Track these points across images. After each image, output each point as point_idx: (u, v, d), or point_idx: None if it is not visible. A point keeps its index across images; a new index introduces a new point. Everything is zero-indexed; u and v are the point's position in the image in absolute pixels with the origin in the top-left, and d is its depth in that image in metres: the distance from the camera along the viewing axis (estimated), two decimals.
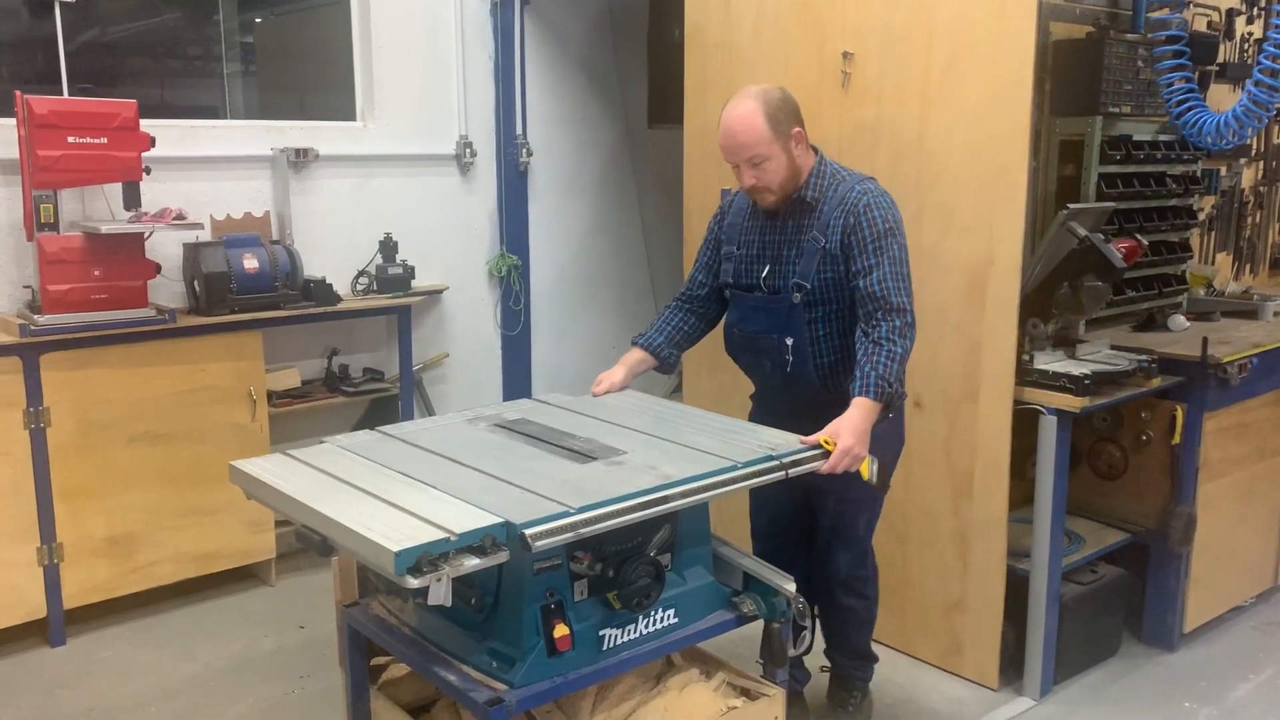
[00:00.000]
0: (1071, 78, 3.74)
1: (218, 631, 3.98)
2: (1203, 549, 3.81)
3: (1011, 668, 3.60)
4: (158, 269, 3.97)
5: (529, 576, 2.20)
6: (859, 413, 2.63)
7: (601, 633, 2.31)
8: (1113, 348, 3.70)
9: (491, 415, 2.81)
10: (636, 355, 3.10)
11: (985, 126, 3.35)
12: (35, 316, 3.74)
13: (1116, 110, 3.81)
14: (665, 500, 2.23)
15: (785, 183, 2.85)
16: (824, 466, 2.55)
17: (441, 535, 1.96)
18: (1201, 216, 4.62)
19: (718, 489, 2.32)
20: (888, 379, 2.67)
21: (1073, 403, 3.33)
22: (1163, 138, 4.06)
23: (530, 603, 2.21)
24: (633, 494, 2.19)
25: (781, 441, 2.60)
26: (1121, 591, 3.80)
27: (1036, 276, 3.54)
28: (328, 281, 4.43)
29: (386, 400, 4.76)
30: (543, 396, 3.04)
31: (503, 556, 2.02)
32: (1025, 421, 3.45)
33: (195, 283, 4.17)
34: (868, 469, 2.66)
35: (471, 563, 1.98)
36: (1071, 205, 3.48)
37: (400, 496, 2.18)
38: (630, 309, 5.96)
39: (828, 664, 3.45)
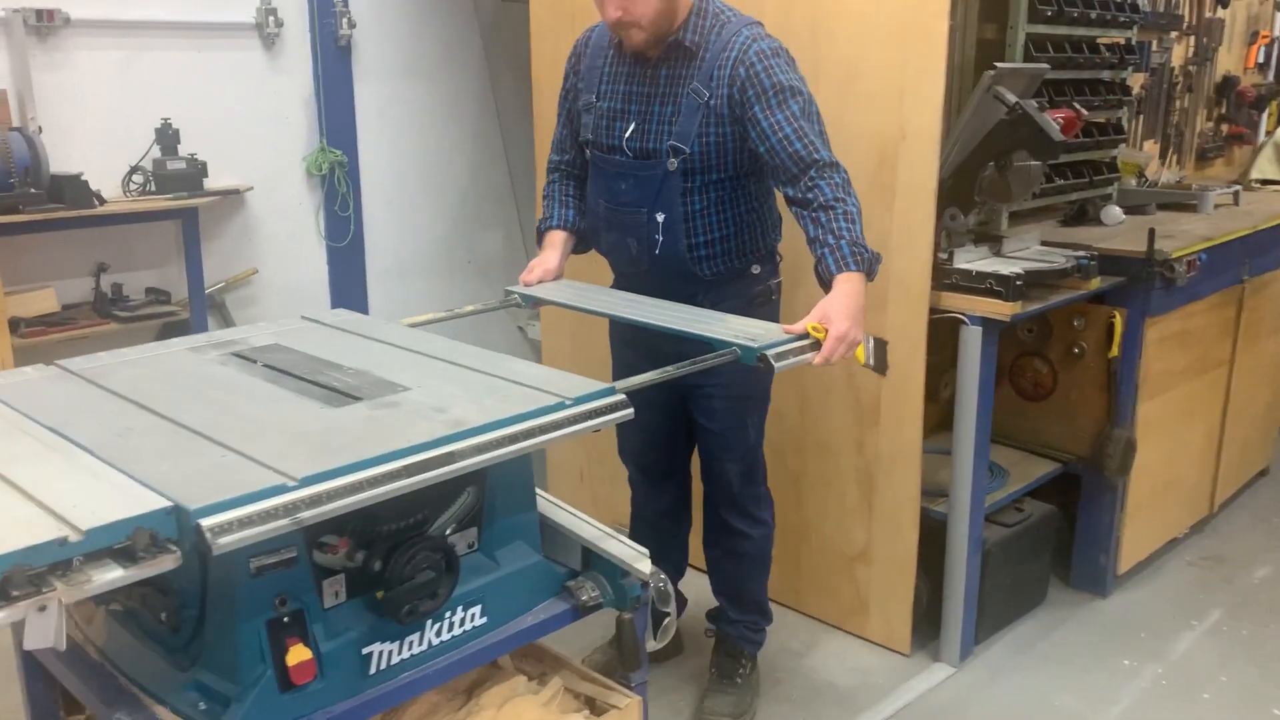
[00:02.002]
0: None
1: None
2: (1140, 477, 3.28)
3: (926, 626, 3.04)
4: None
5: (243, 579, 1.45)
6: (847, 288, 2.17)
7: (368, 650, 1.59)
8: (1043, 244, 3.09)
9: (233, 340, 2.03)
10: (559, 236, 2.61)
11: None
12: None
13: None
14: (448, 459, 1.50)
15: (659, 19, 2.32)
16: (817, 358, 2.09)
17: (53, 534, 1.20)
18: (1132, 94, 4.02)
19: (526, 439, 1.60)
20: (860, 243, 2.22)
21: (1001, 309, 2.72)
22: None
23: (248, 616, 1.47)
24: (396, 452, 1.46)
25: (760, 331, 2.09)
26: (1049, 531, 3.26)
27: (956, 155, 2.89)
28: (84, 179, 3.52)
29: (176, 325, 3.89)
30: (319, 314, 2.26)
31: (168, 563, 1.26)
32: (938, 334, 2.82)
33: None
34: (863, 352, 2.21)
35: (108, 575, 1.22)
36: (999, 65, 2.82)
37: (26, 468, 1.40)
38: (485, 214, 5.12)
39: (711, 627, 2.91)
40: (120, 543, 1.24)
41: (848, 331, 2.11)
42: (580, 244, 2.66)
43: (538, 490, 1.88)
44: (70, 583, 1.19)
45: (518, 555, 1.80)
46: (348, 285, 4.65)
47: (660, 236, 2.45)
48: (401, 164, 4.76)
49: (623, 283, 2.63)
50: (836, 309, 2.13)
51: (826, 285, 2.23)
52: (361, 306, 4.65)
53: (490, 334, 4.88)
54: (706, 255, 2.47)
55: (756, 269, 2.55)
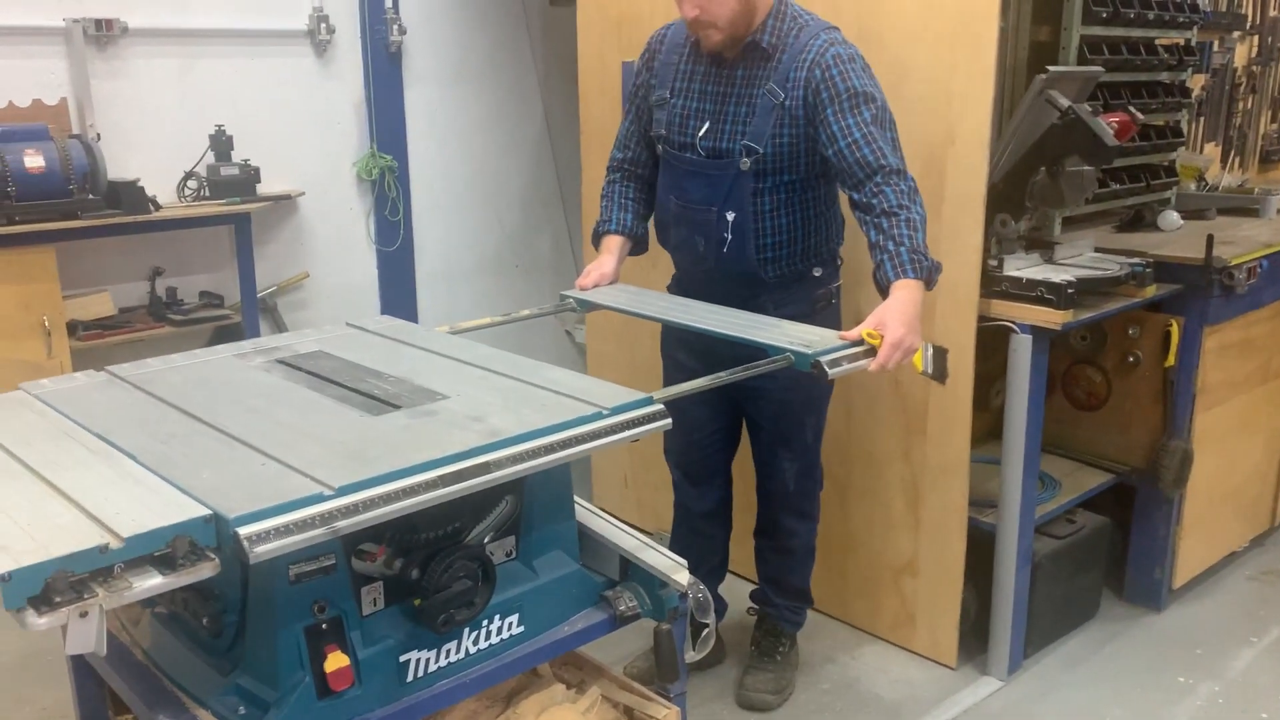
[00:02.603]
0: None
1: (4, 618, 3.21)
2: (1196, 489, 3.19)
3: (973, 640, 2.98)
4: None
5: (282, 586, 1.47)
6: (904, 294, 2.17)
7: (405, 658, 1.60)
8: (1096, 250, 3.02)
9: (277, 347, 2.05)
10: (616, 241, 2.61)
11: None
12: None
13: None
14: (483, 469, 1.50)
15: (736, 19, 2.33)
16: (873, 364, 2.08)
17: (95, 541, 1.22)
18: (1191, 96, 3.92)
19: (563, 450, 1.59)
20: (920, 250, 2.21)
21: (1053, 317, 2.66)
22: None
23: (288, 622, 1.49)
24: (432, 462, 1.46)
25: (815, 338, 2.09)
26: (1101, 543, 3.18)
27: (1006, 160, 2.83)
28: (140, 185, 3.59)
29: (229, 329, 3.96)
30: (364, 321, 2.28)
31: (206, 570, 1.28)
32: (987, 342, 2.77)
33: None
34: (921, 359, 2.19)
35: (149, 582, 1.24)
36: (1052, 69, 2.76)
37: (71, 474, 1.42)
38: (534, 217, 5.14)
39: (754, 607, 2.95)
40: (160, 550, 1.26)
41: (903, 338, 2.09)
42: (637, 247, 2.66)
43: (576, 498, 1.88)
44: (111, 589, 1.21)
45: (556, 564, 1.80)
46: (397, 289, 4.69)
47: (729, 235, 2.44)
48: (450, 168, 4.79)
49: (685, 281, 2.64)
50: (893, 315, 2.12)
51: (884, 291, 2.22)
52: (411, 310, 4.70)
53: (538, 337, 4.89)
54: (773, 257, 2.46)
55: (818, 271, 2.56)
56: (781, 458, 2.69)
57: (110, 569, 1.23)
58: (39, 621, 1.16)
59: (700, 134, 2.45)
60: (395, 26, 4.38)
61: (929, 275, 2.21)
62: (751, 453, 2.79)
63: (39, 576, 1.17)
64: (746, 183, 2.41)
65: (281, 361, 1.95)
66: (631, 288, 2.61)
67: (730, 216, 2.43)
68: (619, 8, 3.39)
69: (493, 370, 1.93)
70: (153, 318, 3.85)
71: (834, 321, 2.57)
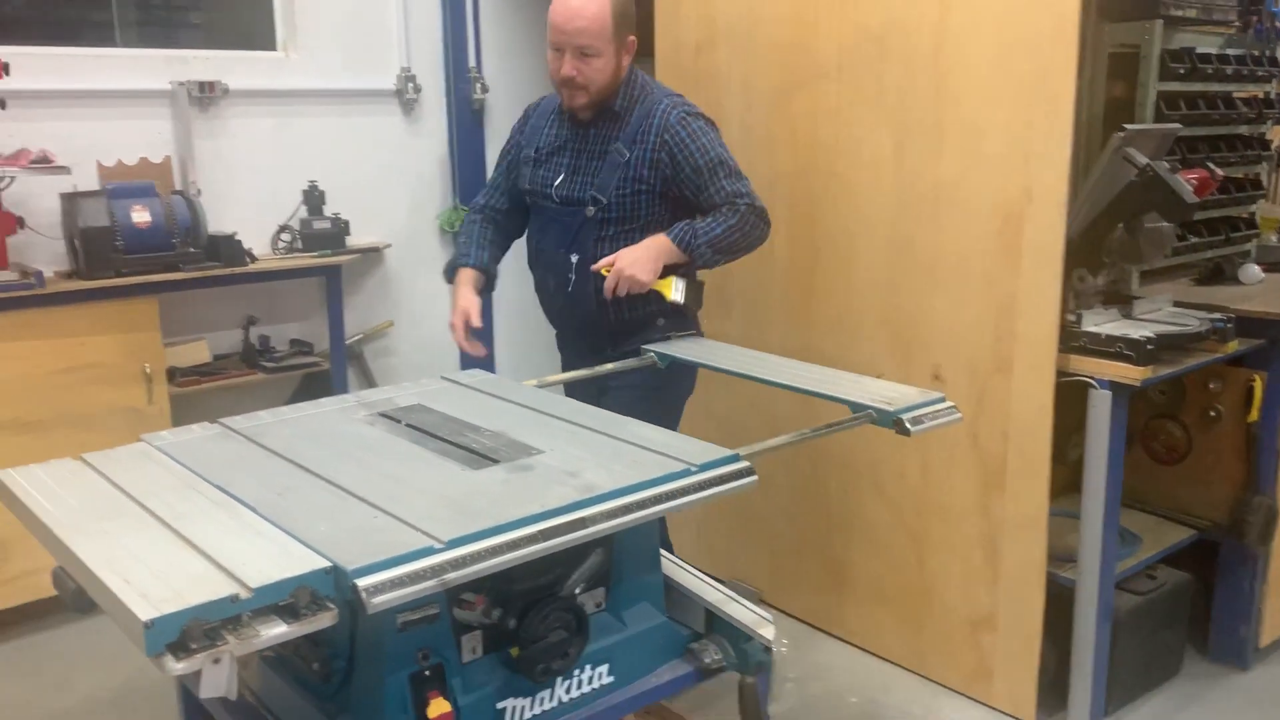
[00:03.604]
0: None
1: (100, 656, 3.34)
2: None
3: (1052, 695, 2.95)
4: (19, 223, 3.31)
5: (390, 634, 1.55)
6: (651, 240, 2.60)
7: (502, 705, 1.66)
8: (1176, 304, 3.02)
9: (379, 401, 2.15)
10: (471, 274, 2.84)
11: (1020, 24, 2.66)
12: None
13: (1180, 14, 3.10)
14: (580, 525, 1.57)
15: (604, 89, 2.65)
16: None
17: (226, 591, 1.31)
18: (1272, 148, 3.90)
19: (657, 505, 1.65)
20: (695, 230, 2.60)
21: (1132, 373, 2.66)
22: (1231, 50, 3.34)
23: (394, 670, 1.56)
24: (533, 517, 1.54)
25: (896, 395, 2.14)
26: (1184, 600, 3.14)
27: (1084, 216, 2.85)
28: (237, 238, 3.76)
29: (317, 376, 4.11)
30: (458, 375, 2.38)
31: (326, 620, 1.36)
32: (1064, 395, 2.77)
33: (74, 241, 3.51)
34: (671, 288, 2.62)
35: (274, 631, 1.32)
36: (1129, 126, 2.78)
37: (197, 525, 1.52)
38: None
39: None
40: (284, 600, 1.34)
41: (624, 267, 2.52)
42: (487, 285, 2.88)
43: (661, 551, 1.94)
44: (241, 637, 1.29)
45: (643, 616, 1.85)
46: (477, 336, 4.80)
47: (573, 276, 2.70)
48: None
49: (551, 319, 2.91)
50: (627, 250, 2.56)
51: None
52: (488, 357, 4.81)
53: None
54: (610, 300, 2.65)
55: (661, 321, 2.75)
56: None
57: (239, 617, 1.31)
58: (177, 666, 1.25)
59: (556, 184, 2.73)
60: (478, 85, 4.55)
61: (687, 245, 2.58)
62: None
63: (176, 624, 1.25)
64: (591, 229, 2.68)
65: (384, 415, 2.05)
66: (709, 341, 2.69)
67: (574, 259, 2.69)
68: (696, 71, 3.49)
69: (581, 425, 2.00)
70: (246, 364, 4.01)
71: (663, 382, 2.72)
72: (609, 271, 2.55)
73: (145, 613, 1.24)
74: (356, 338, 4.41)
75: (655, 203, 2.68)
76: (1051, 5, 2.58)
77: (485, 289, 2.87)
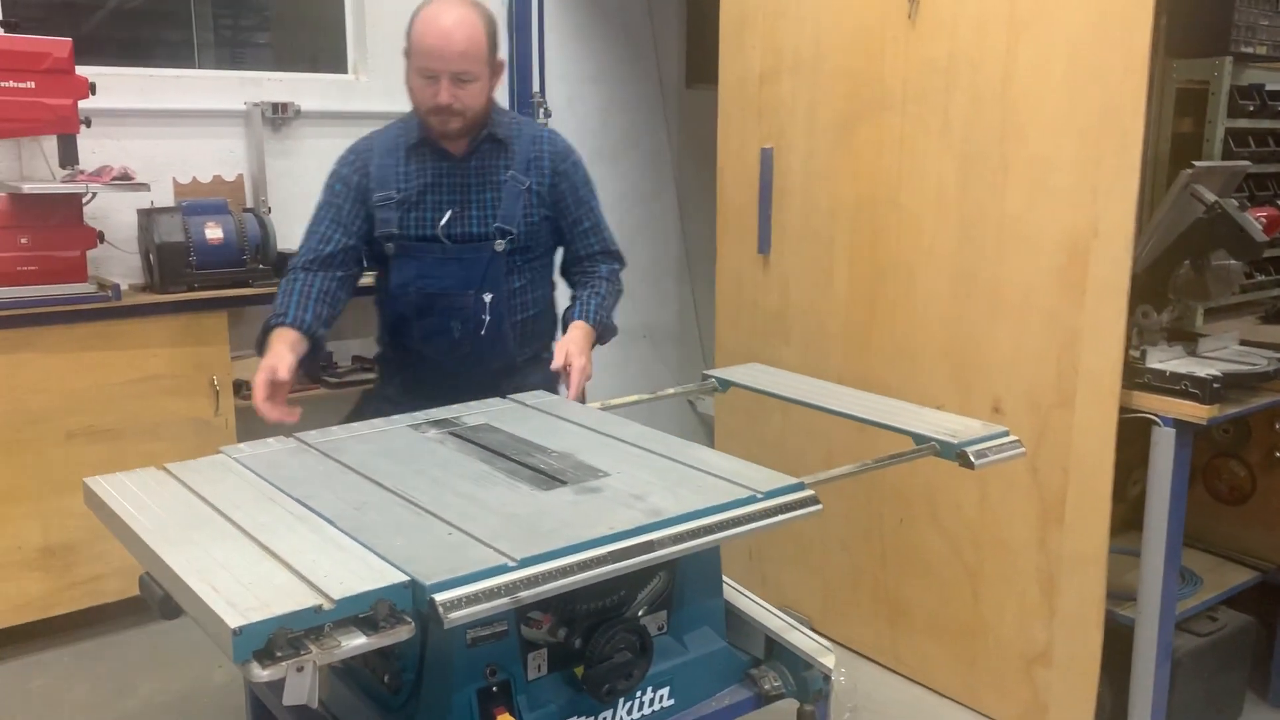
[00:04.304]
0: (1195, 8, 3.02)
1: (165, 660, 3.43)
2: None
3: None
4: (99, 237, 3.42)
5: (459, 649, 1.58)
6: (578, 332, 2.58)
7: None
8: (1242, 343, 2.99)
9: (448, 419, 2.20)
10: (292, 335, 2.41)
11: (1090, 59, 2.66)
12: None
13: (1250, 51, 3.09)
14: (648, 548, 1.59)
15: (479, 114, 2.58)
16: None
17: (310, 602, 1.35)
18: None
19: (723, 531, 1.68)
20: (606, 309, 2.69)
21: (1197, 411, 2.63)
22: None
23: (462, 685, 1.60)
24: (602, 538, 1.56)
25: (959, 427, 2.15)
26: (1246, 643, 3.09)
27: (1150, 252, 2.84)
28: None
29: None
30: (523, 396, 2.42)
31: (404, 633, 1.39)
32: (1124, 431, 2.76)
33: (150, 255, 3.62)
34: None
35: (354, 642, 1.36)
36: (1197, 164, 2.77)
37: (280, 537, 1.57)
38: (663, 289, 5.29)
39: None
40: (364, 612, 1.38)
41: (586, 365, 2.48)
42: (312, 349, 2.46)
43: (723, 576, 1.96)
44: (323, 646, 1.33)
45: (704, 640, 1.87)
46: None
47: (487, 316, 2.63)
48: None
49: (431, 370, 2.69)
50: (576, 347, 2.50)
51: (564, 327, 2.65)
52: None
53: (663, 404, 4.99)
54: (524, 333, 2.70)
55: (547, 355, 2.71)
56: None
57: (321, 627, 1.35)
58: (263, 673, 1.29)
59: (443, 223, 2.58)
60: (541, 110, 4.61)
61: (600, 328, 2.64)
62: None
63: (263, 633, 1.29)
64: (501, 263, 2.61)
65: (454, 434, 2.09)
66: (770, 368, 2.70)
67: (487, 298, 2.61)
68: (760, 96, 3.53)
69: (646, 449, 2.03)
70: (309, 379, 4.08)
71: None
72: (567, 369, 2.46)
73: (234, 620, 1.29)
74: None
75: (550, 231, 2.72)
76: (1122, 40, 2.59)
77: (310, 353, 2.45)
